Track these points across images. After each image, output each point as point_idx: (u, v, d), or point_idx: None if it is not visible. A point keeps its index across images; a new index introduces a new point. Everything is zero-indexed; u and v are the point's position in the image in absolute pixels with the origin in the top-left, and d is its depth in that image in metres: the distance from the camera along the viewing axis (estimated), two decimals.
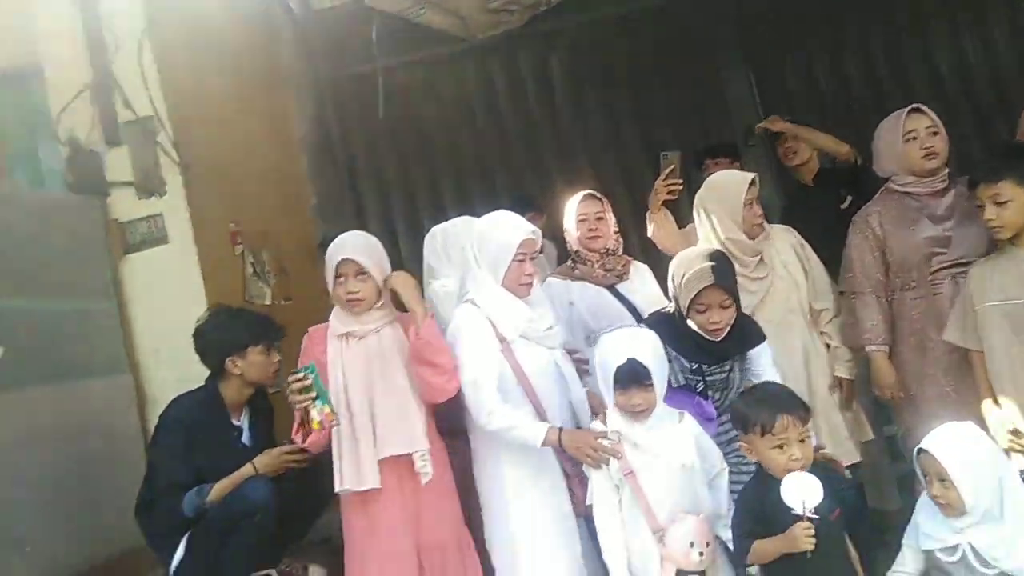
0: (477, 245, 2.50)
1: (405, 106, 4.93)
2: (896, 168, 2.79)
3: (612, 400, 2.27)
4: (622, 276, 3.00)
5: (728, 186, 2.88)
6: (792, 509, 2.00)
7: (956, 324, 2.52)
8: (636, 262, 3.12)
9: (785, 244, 2.94)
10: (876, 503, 3.12)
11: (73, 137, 3.44)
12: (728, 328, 2.42)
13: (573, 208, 3.03)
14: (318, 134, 4.68)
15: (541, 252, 2.73)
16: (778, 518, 2.03)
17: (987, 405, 2.47)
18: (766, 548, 2.08)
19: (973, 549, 2.08)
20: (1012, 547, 2.06)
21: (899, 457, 3.05)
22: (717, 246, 2.76)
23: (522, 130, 5.20)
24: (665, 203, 3.16)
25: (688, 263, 2.42)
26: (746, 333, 2.51)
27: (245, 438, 2.74)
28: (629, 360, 2.20)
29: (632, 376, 2.20)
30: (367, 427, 2.38)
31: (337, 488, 2.37)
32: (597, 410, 2.48)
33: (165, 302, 3.34)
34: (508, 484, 2.41)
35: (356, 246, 2.54)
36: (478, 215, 3.06)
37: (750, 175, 2.91)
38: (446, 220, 2.89)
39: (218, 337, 2.69)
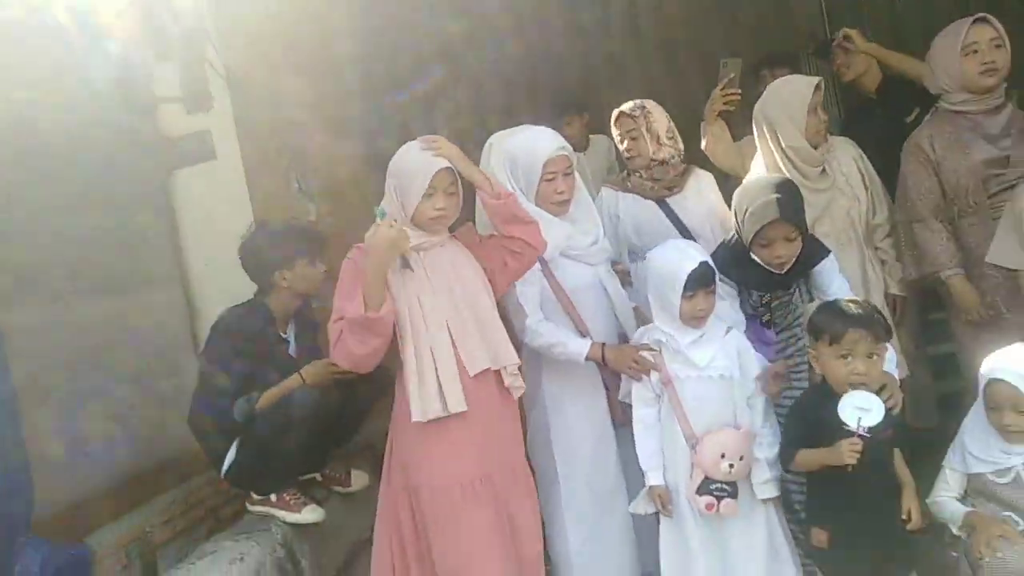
0: (508, 164, 2.46)
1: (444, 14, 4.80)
2: (951, 84, 2.65)
3: (671, 308, 2.25)
4: (672, 188, 2.87)
5: (792, 91, 2.77)
6: (846, 425, 1.99)
7: (1002, 244, 2.45)
8: (697, 170, 2.97)
9: (847, 156, 2.84)
10: (913, 420, 3.10)
11: (122, 51, 3.45)
12: (793, 261, 2.36)
13: (612, 127, 2.96)
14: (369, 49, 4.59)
15: (573, 165, 2.56)
16: (828, 431, 2.03)
17: None
18: (810, 457, 2.10)
19: None
20: None
21: (940, 376, 3.01)
22: (778, 156, 2.71)
23: (572, 36, 5.00)
24: (721, 115, 3.04)
25: (753, 195, 2.34)
26: (809, 253, 2.41)
27: (291, 349, 2.82)
28: (702, 263, 2.22)
29: (702, 279, 2.22)
30: (447, 345, 2.16)
31: (418, 417, 2.14)
32: (641, 324, 2.50)
33: (214, 217, 3.40)
34: (547, 397, 2.47)
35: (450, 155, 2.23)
36: (525, 121, 3.06)
37: (815, 79, 2.78)
38: (494, 129, 2.79)
39: (266, 251, 2.73)
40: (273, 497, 2.64)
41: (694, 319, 2.25)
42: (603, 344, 2.38)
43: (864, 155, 2.86)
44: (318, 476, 2.88)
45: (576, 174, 2.52)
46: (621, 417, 2.47)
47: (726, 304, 2.42)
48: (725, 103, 2.99)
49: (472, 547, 2.12)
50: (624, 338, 2.50)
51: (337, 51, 4.41)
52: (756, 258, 2.36)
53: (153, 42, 3.45)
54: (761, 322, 2.47)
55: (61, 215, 2.88)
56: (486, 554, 2.12)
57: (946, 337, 3.00)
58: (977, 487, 2.17)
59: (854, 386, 2.04)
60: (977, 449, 2.16)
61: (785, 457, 2.19)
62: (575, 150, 2.74)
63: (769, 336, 2.46)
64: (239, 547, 2.44)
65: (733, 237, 2.48)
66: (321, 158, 3.98)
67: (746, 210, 2.33)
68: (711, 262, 2.27)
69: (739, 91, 2.99)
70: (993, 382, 2.11)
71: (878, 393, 2.06)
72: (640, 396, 2.33)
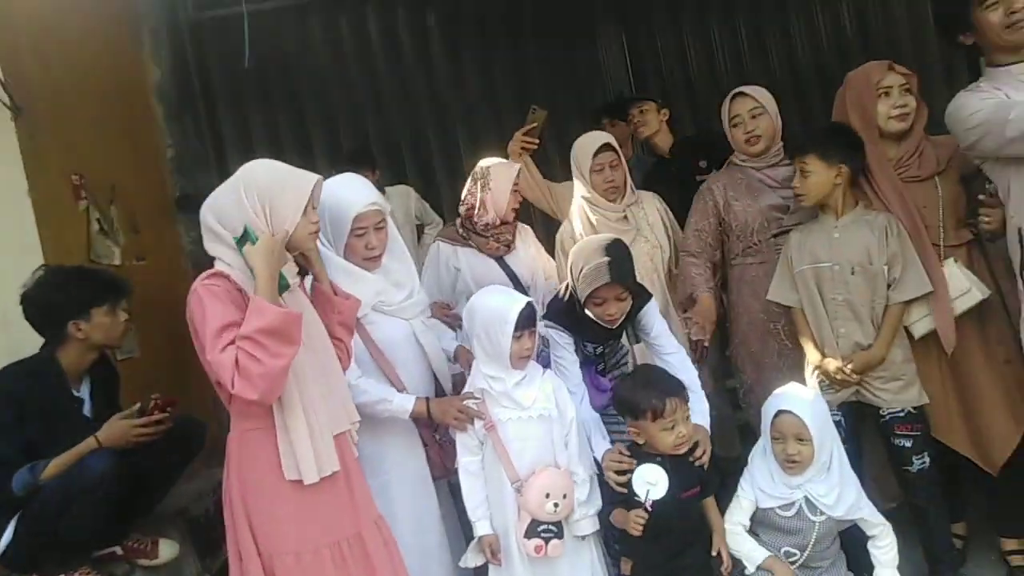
0: (323, 214, 2.36)
1: (273, 54, 4.68)
2: (735, 146, 2.95)
3: (500, 350, 2.28)
4: (510, 246, 3.00)
5: (580, 148, 3.03)
6: (636, 496, 2.18)
7: (779, 283, 2.70)
8: (519, 224, 3.11)
9: (652, 208, 3.09)
10: (720, 451, 3.31)
11: None
12: (623, 317, 2.45)
13: (510, 177, 2.94)
14: (176, 81, 4.35)
15: (387, 219, 2.50)
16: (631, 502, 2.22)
17: (810, 355, 2.65)
18: (619, 517, 2.27)
19: (808, 501, 2.26)
20: (841, 494, 2.29)
21: (738, 408, 3.28)
22: (582, 201, 2.97)
23: (396, 81, 5.06)
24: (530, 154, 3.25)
25: (586, 256, 2.40)
26: (635, 301, 2.50)
27: (87, 410, 2.55)
28: (528, 304, 2.30)
29: (529, 320, 2.30)
30: (317, 400, 1.98)
31: (294, 476, 1.93)
32: (464, 365, 2.52)
33: None
34: (363, 460, 2.33)
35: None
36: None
37: (600, 140, 2.99)
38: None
39: (55, 299, 2.47)
40: None
41: (521, 359, 2.31)
42: (427, 399, 2.38)
43: (668, 209, 3.12)
44: (118, 549, 2.59)
45: (391, 227, 2.49)
46: (440, 471, 2.49)
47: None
48: (524, 146, 3.18)
49: None
50: (439, 391, 2.51)
51: (144, 81, 4.16)
52: (590, 314, 2.44)
53: None
54: (596, 370, 2.57)
55: None
56: None
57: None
58: (762, 518, 2.35)
59: (678, 448, 2.23)
60: (764, 484, 2.33)
61: (605, 512, 2.33)
62: None
63: (604, 384, 2.55)
64: None
65: (566, 291, 2.54)
66: (128, 195, 3.70)
67: (580, 270, 2.39)
68: (533, 304, 2.35)
69: (537, 141, 3.19)
70: (780, 414, 2.29)
71: (692, 450, 2.28)
72: (464, 444, 2.35)
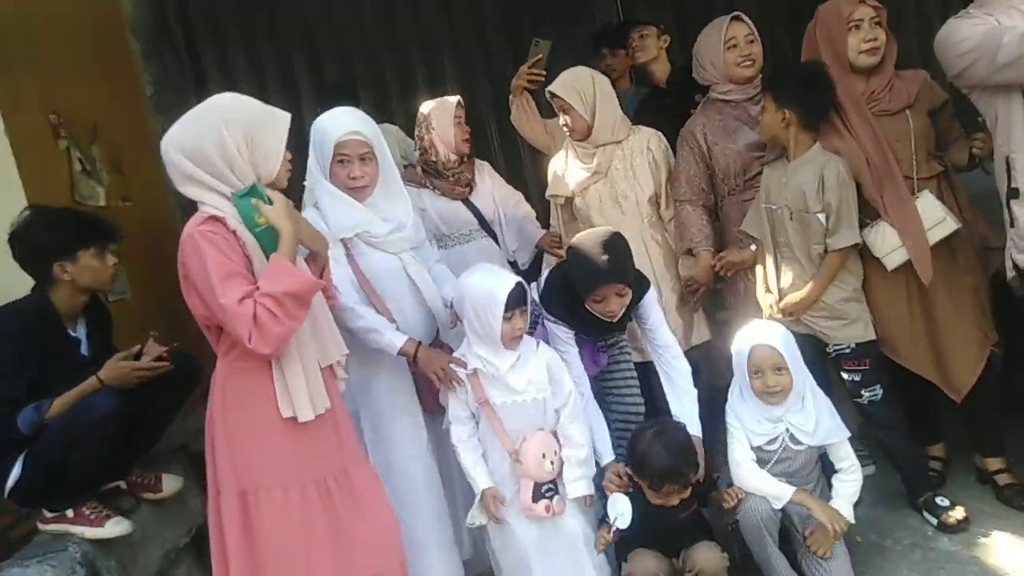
0: (311, 144, 2.40)
1: None
2: (716, 76, 2.90)
3: (490, 331, 2.28)
4: (470, 185, 3.05)
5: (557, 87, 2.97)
6: (606, 518, 2.27)
7: (752, 216, 2.73)
8: (478, 162, 3.16)
9: (641, 149, 3.01)
10: (712, 379, 3.40)
11: None
12: (624, 311, 2.44)
13: (450, 112, 2.96)
14: (151, 14, 4.22)
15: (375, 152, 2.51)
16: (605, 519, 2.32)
17: (758, 290, 2.75)
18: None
19: (790, 434, 2.33)
20: (818, 421, 2.36)
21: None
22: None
23: (382, 15, 4.93)
24: (530, 92, 3.20)
25: (585, 254, 2.37)
26: (635, 292, 2.49)
27: (84, 350, 2.55)
28: (517, 284, 2.29)
29: (519, 299, 2.29)
30: (308, 335, 1.99)
31: (292, 415, 1.96)
32: (452, 322, 2.51)
33: None
34: (354, 383, 2.40)
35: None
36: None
37: (552, 88, 2.95)
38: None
39: (40, 240, 2.44)
40: (69, 513, 2.39)
41: (513, 339, 2.32)
42: (419, 343, 2.39)
43: (667, 146, 3.05)
44: (123, 484, 2.64)
45: (390, 165, 2.49)
46: (430, 405, 2.51)
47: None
48: (529, 81, 3.10)
49: (312, 552, 1.99)
50: (436, 329, 2.56)
51: (119, 15, 4.03)
52: (589, 308, 2.43)
53: None
54: (597, 348, 2.62)
55: None
56: (327, 562, 2.01)
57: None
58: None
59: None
60: (750, 424, 2.39)
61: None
62: None
63: (602, 359, 2.62)
64: (28, 573, 2.19)
65: (558, 276, 2.54)
66: (110, 134, 3.63)
67: (580, 268, 2.38)
68: (523, 283, 2.33)
69: (544, 72, 3.08)
70: (757, 347, 2.34)
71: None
72: (455, 414, 2.39)
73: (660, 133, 3.08)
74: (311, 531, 1.99)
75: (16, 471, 2.32)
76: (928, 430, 2.85)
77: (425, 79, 5.02)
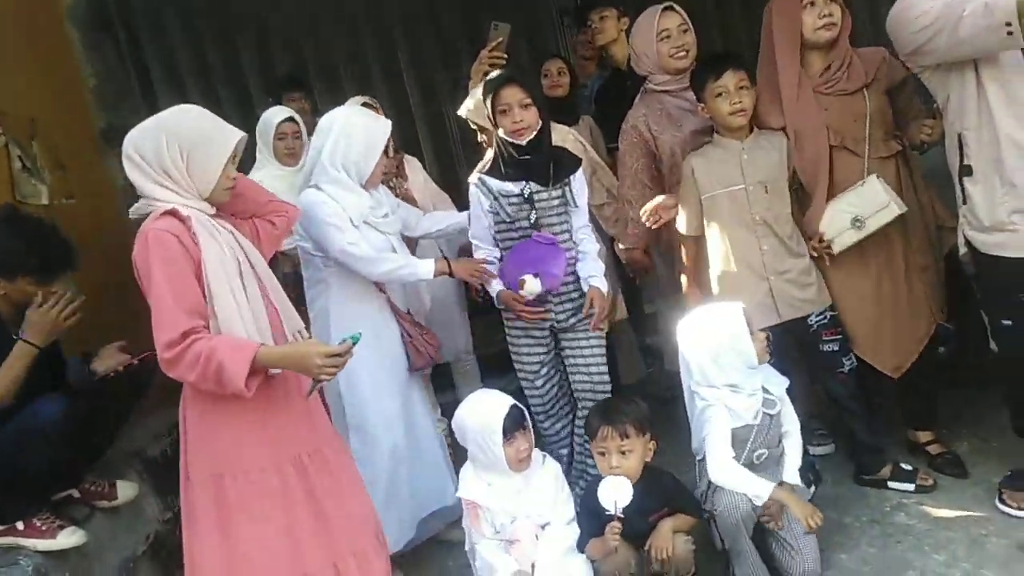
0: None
1: None
2: (651, 67, 2.87)
3: (494, 459, 2.25)
4: (398, 174, 3.23)
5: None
6: (606, 510, 2.18)
7: (690, 214, 2.69)
8: (407, 156, 3.31)
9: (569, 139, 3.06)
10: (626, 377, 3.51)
11: None
12: (535, 133, 2.55)
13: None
14: (88, 3, 4.06)
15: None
16: (604, 519, 2.21)
17: (687, 284, 2.81)
18: (594, 546, 2.26)
19: (765, 399, 2.32)
20: (779, 385, 2.38)
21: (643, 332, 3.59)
22: None
23: (332, 3, 4.82)
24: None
25: (488, 79, 2.63)
26: (559, 157, 2.67)
27: None
28: (513, 406, 2.28)
29: (517, 421, 2.28)
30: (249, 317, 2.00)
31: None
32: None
33: None
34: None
35: None
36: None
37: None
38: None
39: None
40: (20, 525, 2.29)
41: (520, 462, 2.28)
42: (447, 259, 2.74)
43: (587, 139, 3.17)
44: (75, 493, 2.54)
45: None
46: (420, 363, 2.74)
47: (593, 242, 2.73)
48: (491, 66, 3.01)
49: (293, 531, 1.99)
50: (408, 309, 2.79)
51: (55, 4, 3.87)
52: (502, 134, 2.58)
53: None
54: (530, 223, 2.62)
55: None
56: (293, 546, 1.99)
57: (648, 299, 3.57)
58: (734, 436, 2.33)
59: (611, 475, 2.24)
60: (731, 402, 2.30)
61: (580, 546, 2.31)
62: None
63: (548, 236, 2.62)
64: None
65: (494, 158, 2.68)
66: (50, 130, 3.48)
67: (483, 86, 2.64)
68: (519, 404, 2.32)
69: (505, 56, 3.03)
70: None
71: (655, 476, 2.30)
72: (479, 531, 2.33)
73: (574, 130, 3.17)
74: (292, 510, 1.99)
75: None
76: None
77: (379, 62, 4.92)
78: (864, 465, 2.72)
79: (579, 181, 2.67)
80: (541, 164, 2.60)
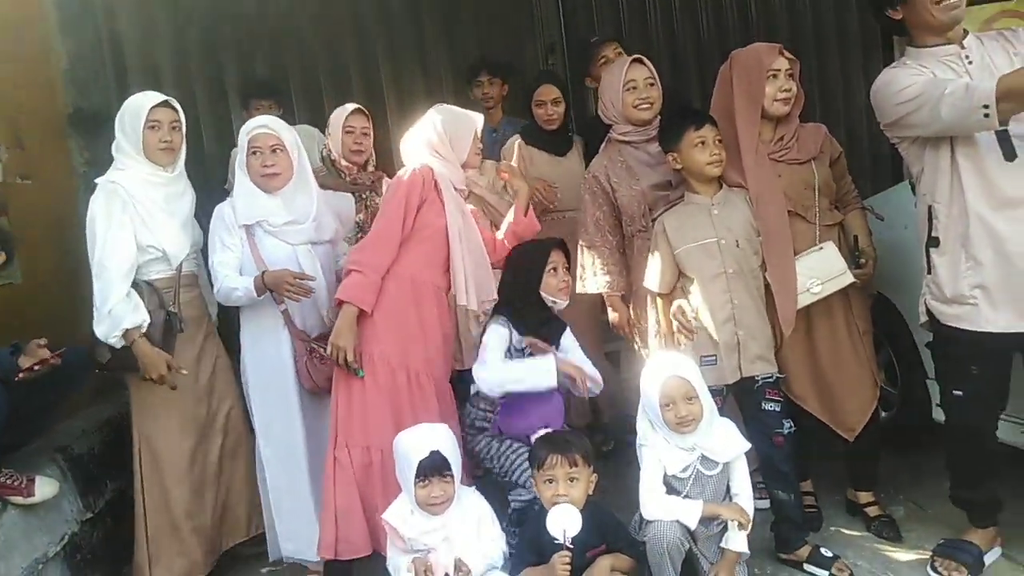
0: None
1: None
2: (616, 116, 2.92)
3: (410, 493, 2.23)
4: (373, 189, 3.15)
5: None
6: (555, 539, 2.14)
7: (661, 269, 2.68)
8: (385, 177, 3.19)
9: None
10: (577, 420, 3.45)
11: None
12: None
13: (340, 120, 3.09)
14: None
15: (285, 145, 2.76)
16: (549, 549, 2.17)
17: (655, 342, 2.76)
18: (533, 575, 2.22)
19: (703, 458, 2.34)
20: (725, 437, 2.38)
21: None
22: None
23: (317, 15, 4.80)
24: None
25: None
26: (552, 328, 2.66)
27: None
28: (433, 452, 2.21)
29: (435, 467, 2.21)
30: None
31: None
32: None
33: None
34: (245, 360, 2.75)
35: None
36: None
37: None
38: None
39: None
40: None
41: (430, 505, 2.22)
42: (263, 272, 2.59)
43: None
44: None
45: (303, 161, 2.76)
46: (310, 384, 2.67)
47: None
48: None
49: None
50: (325, 318, 2.72)
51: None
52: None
53: None
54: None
55: None
56: None
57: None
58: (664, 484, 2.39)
59: (555, 504, 2.20)
60: (663, 454, 2.35)
61: (514, 573, 2.26)
62: None
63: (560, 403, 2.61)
64: None
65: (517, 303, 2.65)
66: (10, 107, 3.38)
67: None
68: (443, 452, 2.24)
69: None
70: (668, 380, 2.33)
71: (595, 511, 2.25)
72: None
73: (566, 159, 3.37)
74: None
75: None
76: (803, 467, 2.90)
77: (361, 78, 4.90)
78: (784, 541, 2.67)
79: (566, 340, 2.69)
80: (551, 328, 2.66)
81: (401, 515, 2.27)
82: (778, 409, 2.61)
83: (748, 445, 2.40)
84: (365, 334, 2.50)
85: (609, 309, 2.96)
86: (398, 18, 4.90)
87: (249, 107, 3.81)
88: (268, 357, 2.69)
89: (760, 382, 2.62)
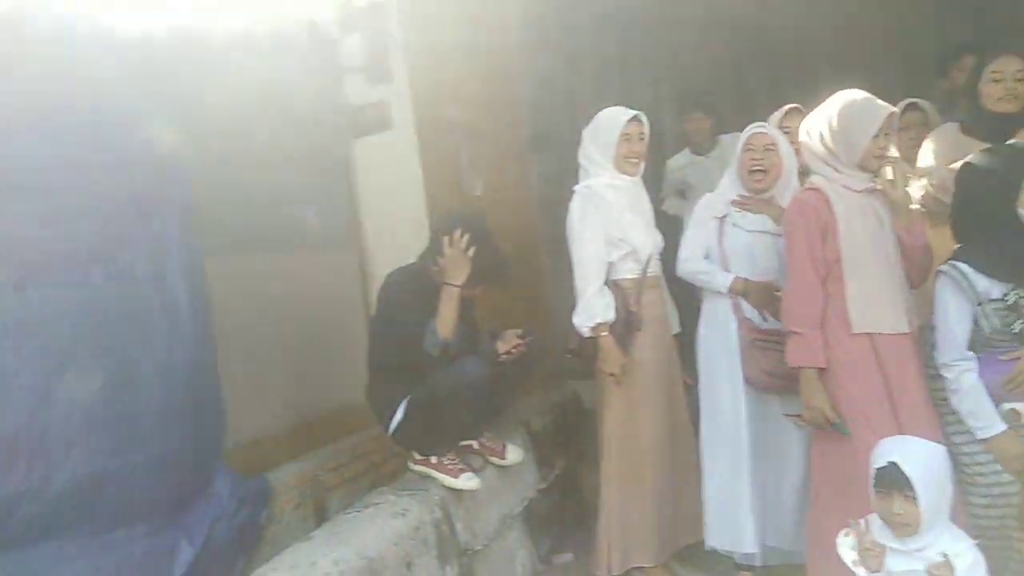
0: None
1: None
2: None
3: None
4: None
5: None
6: None
7: None
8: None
9: None
10: None
11: (311, 22, 3.59)
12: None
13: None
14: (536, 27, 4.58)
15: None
16: None
17: None
18: None
19: None
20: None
21: None
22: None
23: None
24: None
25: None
26: None
27: None
28: (890, 463, 1.95)
29: (891, 481, 1.96)
30: None
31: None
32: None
33: (388, 187, 3.50)
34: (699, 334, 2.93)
35: None
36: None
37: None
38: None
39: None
40: (433, 459, 2.69)
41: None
42: (746, 280, 2.75)
43: None
44: (475, 444, 2.91)
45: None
46: (751, 371, 2.72)
47: None
48: None
49: None
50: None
51: (507, 24, 4.44)
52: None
53: (340, 14, 3.57)
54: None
55: (251, 170, 2.91)
56: None
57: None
58: None
59: None
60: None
61: None
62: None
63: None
64: (401, 503, 2.50)
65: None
66: (489, 134, 4.02)
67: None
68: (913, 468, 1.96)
69: None
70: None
71: None
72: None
73: None
74: None
75: (398, 416, 2.67)
76: None
77: None
78: None
79: None
80: None
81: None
82: None
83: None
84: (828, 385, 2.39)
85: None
86: None
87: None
88: (718, 339, 2.81)
89: None
